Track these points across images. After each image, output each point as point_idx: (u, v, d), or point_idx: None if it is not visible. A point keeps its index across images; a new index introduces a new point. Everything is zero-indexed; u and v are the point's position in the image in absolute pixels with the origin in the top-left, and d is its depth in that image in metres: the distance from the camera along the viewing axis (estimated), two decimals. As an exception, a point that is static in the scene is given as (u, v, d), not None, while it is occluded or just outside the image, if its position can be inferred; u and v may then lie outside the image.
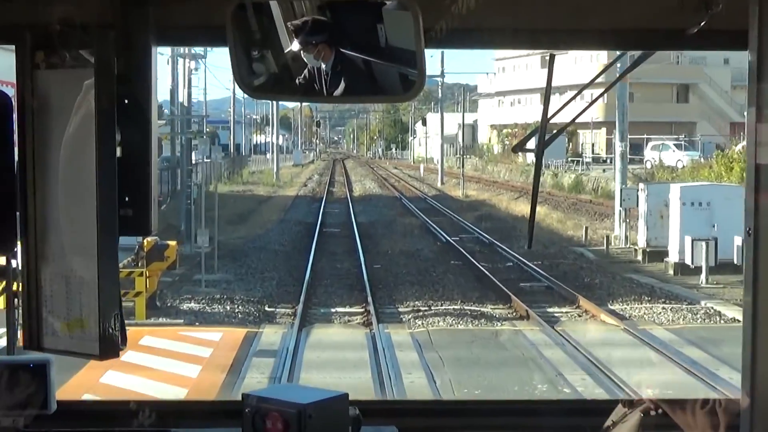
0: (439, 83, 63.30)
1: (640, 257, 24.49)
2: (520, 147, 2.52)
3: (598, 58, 72.04)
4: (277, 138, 60.57)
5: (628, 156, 62.47)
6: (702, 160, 52.45)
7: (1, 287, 9.37)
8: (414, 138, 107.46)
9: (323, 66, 1.99)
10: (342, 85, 2.01)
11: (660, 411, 2.35)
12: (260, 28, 1.99)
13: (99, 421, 2.72)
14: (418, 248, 25.39)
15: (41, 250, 2.05)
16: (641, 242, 24.83)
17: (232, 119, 68.84)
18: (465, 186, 50.52)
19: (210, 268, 20.64)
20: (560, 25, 2.26)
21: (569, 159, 64.62)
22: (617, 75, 2.86)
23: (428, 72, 2.04)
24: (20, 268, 2.05)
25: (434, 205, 40.69)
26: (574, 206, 40.41)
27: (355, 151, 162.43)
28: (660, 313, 16.39)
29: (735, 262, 19.71)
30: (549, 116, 2.36)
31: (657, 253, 23.86)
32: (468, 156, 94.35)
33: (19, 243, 2.04)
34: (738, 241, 18.88)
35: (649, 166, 55.00)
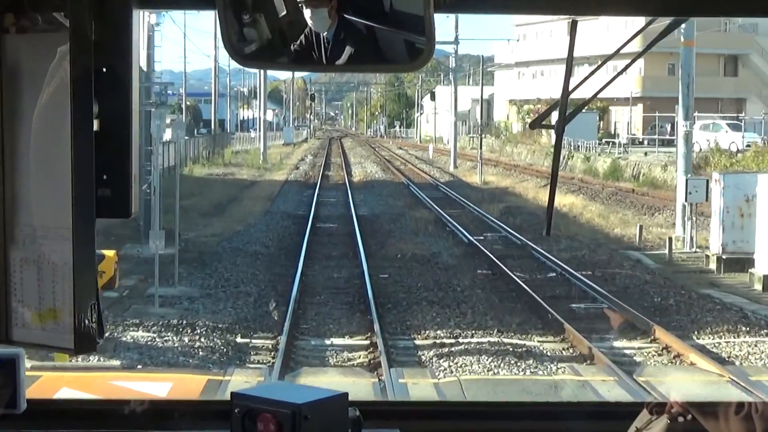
0: (454, 50, 60.06)
1: (713, 266, 21.42)
2: (538, 123, 2.44)
3: (634, 23, 68.95)
4: (265, 113, 57.47)
5: (666, 137, 59.55)
6: (762, 143, 49.34)
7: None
8: (421, 114, 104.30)
9: (323, 33, 1.96)
10: (342, 54, 1.99)
11: (689, 417, 2.30)
12: None
13: (74, 421, 2.71)
14: (434, 252, 22.31)
15: (10, 233, 2.04)
16: (714, 247, 21.74)
17: (213, 91, 65.65)
18: (482, 170, 47.38)
19: (169, 278, 17.57)
20: None
21: (601, 140, 61.53)
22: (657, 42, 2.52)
23: (438, 39, 1.99)
24: None
25: (449, 194, 37.61)
26: (615, 197, 37.35)
27: (353, 129, 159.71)
28: (770, 352, 13.36)
29: None
30: (571, 89, 2.29)
31: (736, 262, 20.81)
32: (483, 135, 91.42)
33: None
34: None
35: (698, 149, 51.92)
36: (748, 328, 14.90)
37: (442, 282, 18.62)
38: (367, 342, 14.00)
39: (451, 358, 12.91)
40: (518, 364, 12.62)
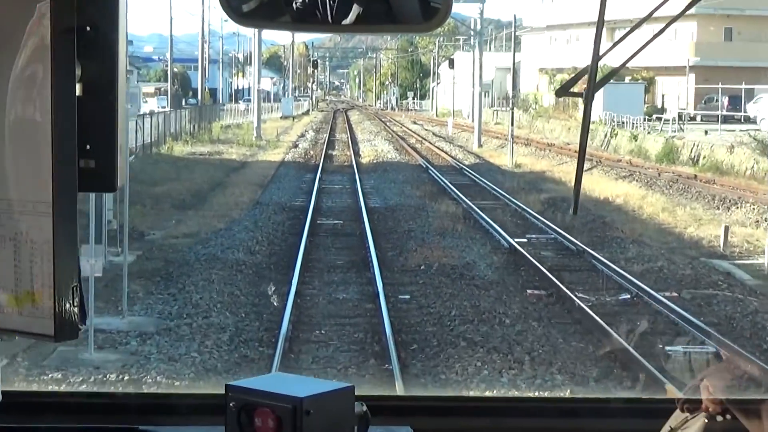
0: (479, 10, 56.55)
1: (830, 283, 18.03)
2: (565, 90, 2.47)
3: (686, -19, 65.27)
4: (260, 81, 54.07)
5: (724, 112, 56.00)
6: None
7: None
8: (437, 84, 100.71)
9: None
10: (350, 12, 2.01)
11: (728, 415, 2.31)
12: None
13: (55, 415, 2.74)
14: (467, 261, 18.92)
15: None
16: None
17: (200, 55, 62.17)
18: (512, 151, 43.94)
19: (116, 302, 14.23)
20: None
21: (651, 115, 58.04)
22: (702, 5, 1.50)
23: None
24: None
25: (476, 180, 34.22)
26: (675, 185, 33.91)
27: (361, 100, 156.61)
28: None
29: None
30: (602, 53, 2.28)
31: None
32: (506, 108, 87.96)
33: None
34: None
35: (765, 127, 48.40)
36: None
37: (482, 308, 15.22)
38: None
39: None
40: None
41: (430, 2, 1.97)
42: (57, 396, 3.01)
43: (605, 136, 54.22)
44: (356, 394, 2.35)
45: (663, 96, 65.94)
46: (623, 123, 54.75)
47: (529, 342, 13.31)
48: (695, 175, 36.03)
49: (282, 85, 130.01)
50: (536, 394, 10.64)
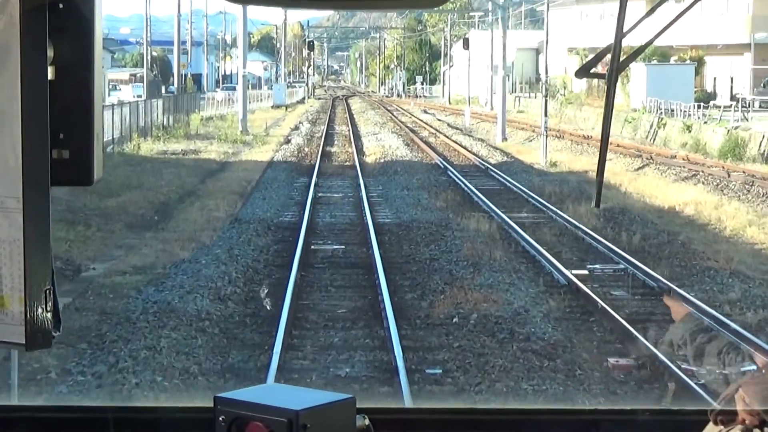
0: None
1: None
2: (585, 71, 2.49)
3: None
4: (245, 65, 50.27)
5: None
6: None
7: None
8: (450, 67, 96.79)
9: None
10: None
11: (767, 428, 2.31)
12: None
13: (34, 430, 2.78)
14: (516, 309, 15.03)
15: None
16: None
17: (175, 34, 58.38)
18: (546, 146, 40.06)
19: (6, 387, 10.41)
20: None
21: (707, 101, 54.13)
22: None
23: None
24: None
25: (507, 184, 30.38)
26: (753, 188, 30.03)
27: (363, 86, 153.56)
28: None
29: None
30: (626, 29, 2.31)
31: None
32: (529, 94, 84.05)
33: None
34: None
35: None
36: None
37: (551, 393, 11.36)
38: None
39: None
40: None
41: None
42: (27, 410, 2.94)
43: (651, 126, 50.37)
44: (358, 406, 2.31)
45: (714, 79, 61.95)
46: (672, 111, 50.87)
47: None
48: (773, 176, 32.21)
49: (275, 70, 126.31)
50: (555, 406, 9.69)
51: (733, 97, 55.45)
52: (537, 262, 18.81)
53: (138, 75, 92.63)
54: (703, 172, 34.27)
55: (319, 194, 28.13)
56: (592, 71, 2.48)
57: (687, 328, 13.53)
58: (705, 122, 46.02)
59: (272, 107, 77.96)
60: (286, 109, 77.78)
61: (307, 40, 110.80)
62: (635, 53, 2.50)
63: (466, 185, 29.79)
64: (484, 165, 36.31)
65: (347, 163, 37.49)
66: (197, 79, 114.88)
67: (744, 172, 33.02)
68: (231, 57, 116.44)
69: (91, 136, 1.97)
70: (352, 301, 15.99)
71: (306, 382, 11.82)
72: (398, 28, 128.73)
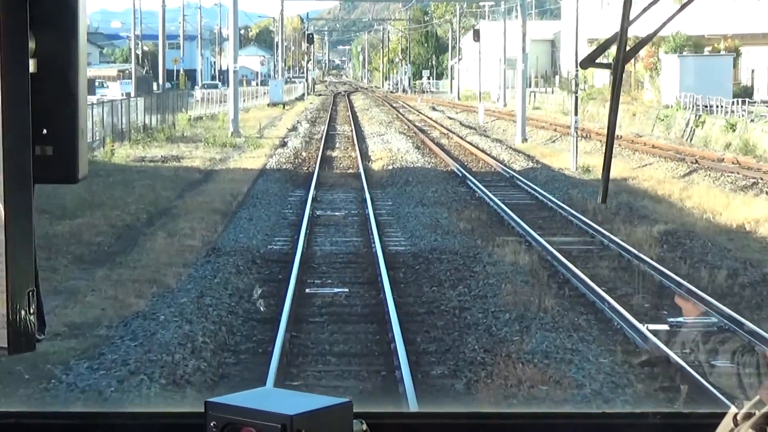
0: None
1: None
2: (590, 61, 2.49)
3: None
4: (236, 60, 46.19)
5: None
6: None
7: None
8: (459, 61, 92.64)
9: None
10: None
11: None
12: None
13: None
14: (588, 393, 10.96)
15: None
16: None
17: (160, 25, 54.31)
18: (576, 149, 35.96)
19: None
20: None
21: (737, 96, 50.04)
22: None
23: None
24: None
25: (539, 197, 26.32)
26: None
27: (366, 81, 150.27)
28: None
29: None
30: (633, 17, 2.30)
31: None
32: (545, 89, 79.93)
33: None
34: None
35: None
36: None
37: None
38: None
39: None
40: None
41: None
42: (10, 417, 2.85)
43: (687, 124, 46.26)
44: (356, 410, 2.30)
45: (752, 71, 57.75)
46: (710, 107, 46.78)
47: None
48: None
49: (273, 64, 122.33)
50: (563, 410, 8.61)
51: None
52: (600, 312, 14.71)
53: (127, 71, 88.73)
54: (762, 179, 30.18)
55: (318, 212, 24.05)
56: (597, 61, 2.45)
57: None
58: (751, 120, 41.90)
59: (268, 105, 73.91)
60: (284, 107, 73.70)
61: (306, 32, 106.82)
62: (642, 42, 2.41)
63: (491, 199, 25.70)
64: (507, 172, 32.21)
65: (350, 171, 33.42)
66: (192, 75, 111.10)
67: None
68: (225, 51, 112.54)
69: (75, 131, 1.94)
70: (360, 380, 11.91)
71: None
72: (403, 19, 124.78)
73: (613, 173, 33.22)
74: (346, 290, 16.21)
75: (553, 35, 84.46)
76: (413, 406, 10.54)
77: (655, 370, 12.11)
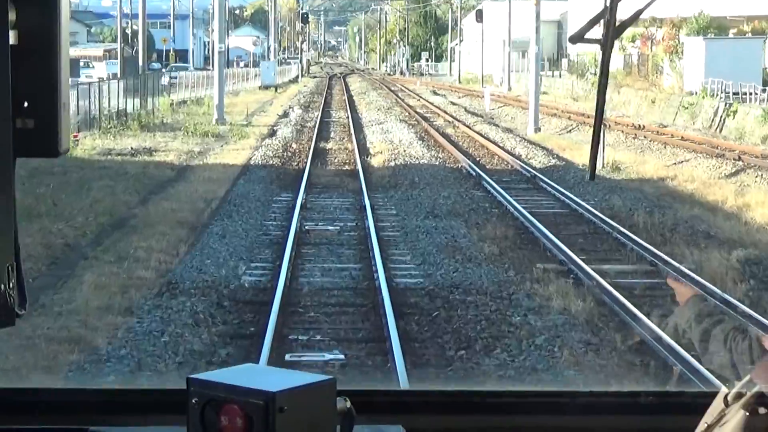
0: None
1: None
2: (579, 37, 2.55)
3: None
4: (221, 40, 41.55)
5: None
6: None
7: None
8: (460, 42, 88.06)
9: None
10: None
11: None
12: None
13: None
14: None
15: None
16: None
17: (141, 1, 49.72)
18: (603, 143, 31.34)
19: None
20: None
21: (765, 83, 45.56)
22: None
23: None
24: None
25: (572, 206, 21.84)
26: None
27: (362, 62, 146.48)
28: None
29: None
30: None
31: None
32: (552, 72, 75.34)
33: None
34: None
35: None
36: None
37: None
38: None
39: None
40: None
41: None
42: None
43: (715, 113, 41.74)
44: (340, 388, 2.26)
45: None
46: (740, 96, 42.30)
47: None
48: None
49: (268, 45, 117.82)
50: (552, 388, 8.23)
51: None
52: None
53: (114, 51, 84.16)
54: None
55: (307, 225, 19.54)
56: (586, 37, 2.45)
57: (693, 310, 9.07)
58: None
59: (260, 88, 69.33)
60: (276, 90, 69.11)
61: (301, 12, 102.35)
62: (632, 17, 2.46)
63: (515, 208, 21.19)
64: (527, 170, 27.70)
65: (346, 168, 28.92)
66: (183, 55, 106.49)
67: None
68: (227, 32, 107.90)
69: (57, 104, 1.93)
70: None
71: None
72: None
73: (651, 172, 28.76)
74: (342, 357, 11.68)
75: (559, 16, 79.91)
76: (404, 384, 9.96)
77: None
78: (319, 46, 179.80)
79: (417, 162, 29.29)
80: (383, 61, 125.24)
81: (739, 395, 2.36)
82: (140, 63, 49.85)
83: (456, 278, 15.10)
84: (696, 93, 45.76)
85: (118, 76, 55.68)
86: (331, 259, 16.78)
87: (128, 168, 26.92)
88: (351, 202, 22.50)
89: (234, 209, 21.06)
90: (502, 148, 33.43)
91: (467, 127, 41.42)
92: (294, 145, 34.08)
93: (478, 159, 30.65)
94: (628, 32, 61.03)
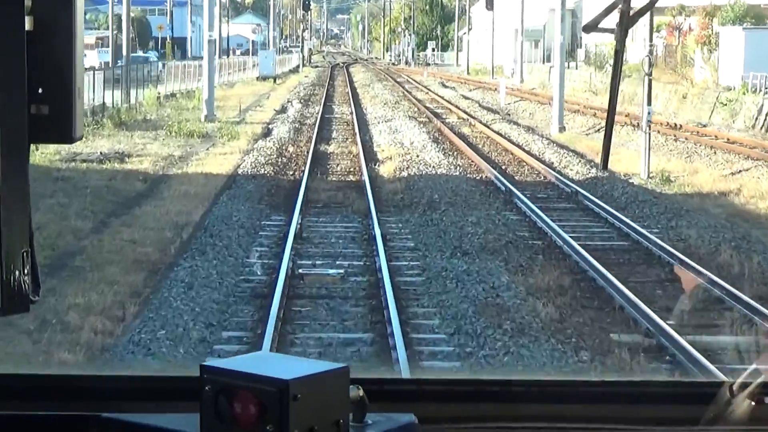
0: None
1: None
2: (593, 26, 2.46)
3: None
4: (212, 27, 37.05)
5: None
6: None
7: None
8: (468, 31, 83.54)
9: None
10: None
11: None
12: None
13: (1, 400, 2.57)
14: None
15: None
16: None
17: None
18: (648, 148, 26.85)
19: None
20: None
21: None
22: None
23: None
24: None
25: (629, 233, 17.38)
26: None
27: (366, 52, 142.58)
28: None
29: None
30: None
31: None
32: (567, 64, 70.72)
33: None
34: None
35: None
36: None
37: None
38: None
39: None
40: None
41: None
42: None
43: (760, 111, 37.23)
44: (353, 376, 2.18)
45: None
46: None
47: None
48: None
49: (270, 33, 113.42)
50: (562, 377, 7.24)
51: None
52: None
53: (106, 38, 79.78)
54: None
55: (302, 267, 15.02)
56: (600, 26, 2.39)
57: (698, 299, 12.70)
58: None
59: (258, 79, 64.85)
60: (275, 81, 64.59)
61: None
62: (647, 6, 2.35)
63: (563, 240, 16.66)
64: (565, 183, 23.23)
65: (351, 178, 24.43)
66: (182, 43, 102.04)
67: None
68: (229, 19, 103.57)
69: (72, 90, 1.89)
70: None
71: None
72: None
73: (703, 183, 24.27)
74: None
75: (574, 4, 75.38)
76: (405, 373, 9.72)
77: None
78: (321, 34, 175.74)
79: (433, 172, 24.77)
80: (387, 51, 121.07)
81: (744, 385, 2.33)
82: (124, 51, 45.25)
83: (509, 363, 10.63)
84: (734, 88, 41.23)
85: (110, 65, 51.27)
86: (333, 324, 12.30)
87: (91, 179, 22.42)
88: (357, 229, 18.02)
89: (209, 241, 16.54)
90: (528, 153, 28.94)
91: (484, 125, 36.89)
92: (290, 149, 29.53)
93: (503, 167, 26.16)
94: (654, 22, 56.55)
